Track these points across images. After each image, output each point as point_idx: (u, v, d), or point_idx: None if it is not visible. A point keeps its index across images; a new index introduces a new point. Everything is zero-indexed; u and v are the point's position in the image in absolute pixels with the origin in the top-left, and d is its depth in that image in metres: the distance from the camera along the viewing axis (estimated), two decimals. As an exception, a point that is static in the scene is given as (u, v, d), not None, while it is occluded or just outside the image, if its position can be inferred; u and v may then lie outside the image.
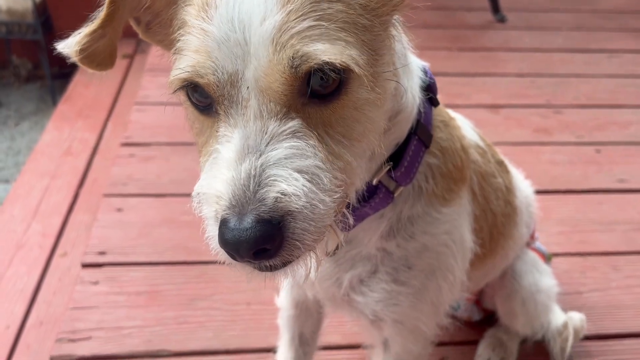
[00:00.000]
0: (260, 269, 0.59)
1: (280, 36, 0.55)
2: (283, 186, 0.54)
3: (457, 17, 3.19)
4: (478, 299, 1.38)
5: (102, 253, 1.56)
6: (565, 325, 1.28)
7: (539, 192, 1.85)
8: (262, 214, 0.53)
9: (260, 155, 0.55)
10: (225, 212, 0.55)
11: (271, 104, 0.57)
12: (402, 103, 0.73)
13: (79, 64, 0.69)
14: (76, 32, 0.69)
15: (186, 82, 0.59)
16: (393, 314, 0.86)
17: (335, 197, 0.58)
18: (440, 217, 0.82)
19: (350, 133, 0.60)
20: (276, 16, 0.55)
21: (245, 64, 0.56)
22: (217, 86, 0.57)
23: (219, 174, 0.57)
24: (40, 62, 3.64)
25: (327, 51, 0.54)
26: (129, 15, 0.69)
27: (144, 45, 3.41)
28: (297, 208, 0.55)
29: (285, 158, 0.55)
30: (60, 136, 2.71)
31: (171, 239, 1.61)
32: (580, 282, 1.60)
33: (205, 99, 0.60)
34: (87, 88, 3.07)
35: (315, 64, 0.55)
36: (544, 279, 1.25)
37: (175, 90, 0.61)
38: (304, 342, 1.14)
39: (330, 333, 1.28)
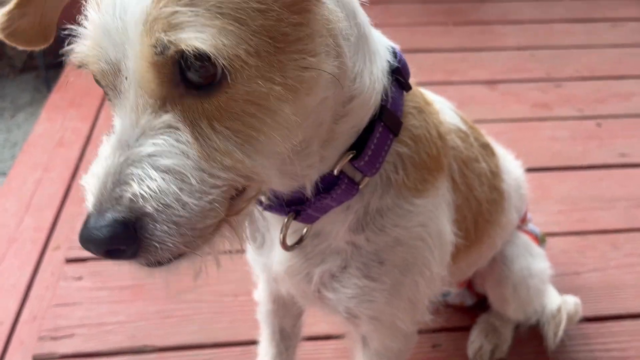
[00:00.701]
0: (147, 265, 0.57)
1: (148, 22, 0.52)
2: (135, 187, 0.52)
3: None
4: (470, 285, 1.34)
5: (86, 247, 1.53)
6: (559, 310, 1.24)
7: (537, 169, 1.80)
8: (116, 215, 0.52)
9: (128, 150, 0.54)
10: (91, 209, 0.54)
11: (146, 95, 0.54)
12: (355, 88, 0.68)
13: (5, 40, 0.68)
14: None
15: (84, 69, 0.58)
16: (368, 310, 0.82)
17: (208, 198, 0.54)
18: (413, 209, 0.77)
19: (245, 129, 0.55)
20: (147, 1, 0.51)
21: (124, 53, 0.54)
22: (102, 75, 0.56)
23: (92, 168, 0.55)
24: (35, 52, 3.60)
25: (191, 38, 0.50)
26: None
27: (136, 31, 3.37)
28: (150, 210, 0.52)
29: (148, 156, 0.53)
30: (53, 127, 2.69)
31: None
32: (579, 262, 1.55)
33: (106, 94, 0.58)
34: (79, 77, 3.02)
35: (176, 51, 0.51)
36: (536, 262, 1.20)
37: (96, 80, 0.59)
38: (285, 337, 1.11)
39: (316, 323, 1.25)
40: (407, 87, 0.76)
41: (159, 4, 0.51)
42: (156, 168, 0.53)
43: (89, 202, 0.55)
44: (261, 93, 0.54)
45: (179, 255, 0.57)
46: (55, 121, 2.73)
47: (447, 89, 2.29)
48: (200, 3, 0.51)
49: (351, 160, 0.70)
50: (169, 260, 0.57)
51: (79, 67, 0.59)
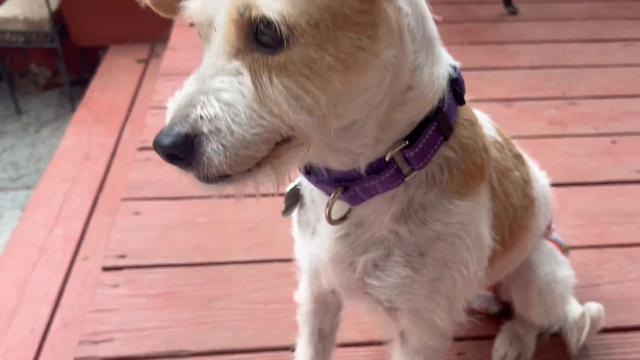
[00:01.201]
0: (200, 179, 0.67)
1: None
2: (198, 110, 0.64)
3: (467, 11, 3.18)
4: (496, 291, 1.38)
5: (121, 256, 1.59)
6: (582, 315, 1.28)
7: (555, 185, 1.84)
8: (181, 129, 0.63)
9: (202, 83, 0.65)
10: (168, 120, 0.65)
11: (226, 45, 0.65)
12: (414, 80, 0.74)
13: (152, 8, 0.80)
14: None
15: (192, 22, 0.70)
16: (408, 302, 0.87)
17: (252, 131, 0.64)
18: (453, 208, 0.82)
19: (295, 87, 0.64)
20: None
21: (218, 10, 0.65)
22: (201, 27, 0.68)
23: (182, 88, 0.67)
24: (59, 69, 3.71)
25: (263, 6, 0.61)
26: None
27: (158, 50, 3.46)
28: (205, 131, 0.63)
29: (215, 89, 0.64)
30: (79, 141, 2.77)
31: (188, 240, 1.64)
32: (597, 274, 1.59)
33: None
34: (104, 93, 3.13)
35: (250, 15, 0.62)
36: (561, 269, 1.24)
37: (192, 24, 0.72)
38: (323, 337, 1.16)
39: (347, 330, 1.29)
40: (462, 101, 0.82)
41: None
42: (218, 99, 0.64)
43: (167, 118, 0.66)
44: (314, 59, 0.63)
45: (224, 177, 0.66)
46: (81, 136, 2.81)
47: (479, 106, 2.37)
48: None
49: (403, 149, 0.76)
50: (215, 179, 0.66)
51: (190, 23, 0.71)
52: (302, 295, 1.14)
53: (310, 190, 0.90)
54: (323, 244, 0.89)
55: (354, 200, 0.81)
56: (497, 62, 2.66)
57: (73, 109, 3.57)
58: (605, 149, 2.09)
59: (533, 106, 2.34)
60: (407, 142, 0.76)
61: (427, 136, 0.77)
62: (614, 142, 2.12)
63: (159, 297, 1.47)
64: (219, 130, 0.63)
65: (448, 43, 2.88)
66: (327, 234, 0.88)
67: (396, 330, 0.98)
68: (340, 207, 0.82)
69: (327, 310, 1.14)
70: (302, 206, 0.94)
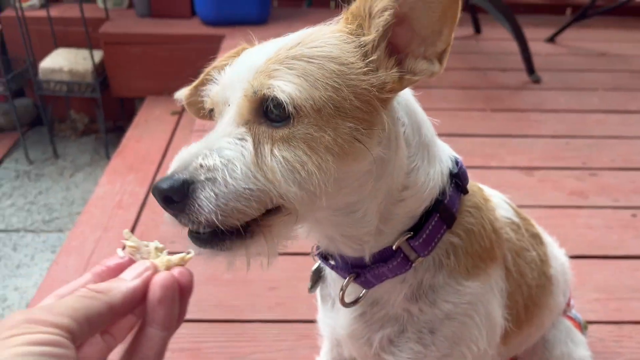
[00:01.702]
0: (192, 235, 0.73)
1: (256, 74, 0.73)
2: (201, 160, 0.70)
3: (491, 78, 3.28)
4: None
5: (149, 308, 1.65)
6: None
7: (574, 257, 1.87)
8: (180, 175, 0.70)
9: (210, 144, 0.73)
10: (171, 169, 0.72)
11: (237, 116, 0.74)
12: (409, 180, 0.82)
13: (185, 107, 0.94)
14: (184, 88, 0.95)
15: (210, 106, 0.81)
16: None
17: (245, 186, 0.70)
18: (462, 289, 0.88)
19: (292, 160, 0.71)
20: (260, 62, 0.74)
21: (234, 88, 0.75)
22: (217, 105, 0.79)
23: (183, 150, 0.74)
24: (96, 116, 3.89)
25: (278, 87, 0.70)
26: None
27: (191, 103, 3.62)
28: (202, 178, 0.69)
29: (218, 147, 0.72)
30: (112, 189, 2.88)
31: (213, 296, 1.70)
32: (615, 351, 1.59)
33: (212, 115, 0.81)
34: (139, 143, 3.27)
35: (263, 94, 0.71)
36: (578, 349, 1.26)
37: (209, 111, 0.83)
38: None
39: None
40: (464, 191, 0.89)
41: (268, 62, 0.73)
42: (219, 154, 0.71)
43: (170, 169, 0.72)
44: (314, 137, 0.71)
45: (216, 237, 0.72)
46: (114, 184, 2.93)
47: (486, 173, 2.44)
48: (294, 67, 0.71)
49: (408, 239, 0.83)
50: (208, 239, 0.72)
51: (209, 105, 0.82)
52: None
53: (330, 269, 0.96)
54: (340, 321, 0.95)
55: (367, 284, 0.88)
56: (519, 129, 2.73)
57: (107, 155, 3.72)
58: (626, 222, 2.12)
59: (554, 175, 2.39)
60: (412, 232, 0.83)
61: (430, 227, 0.84)
62: (634, 215, 2.15)
63: (184, 352, 1.51)
64: (214, 179, 0.69)
65: (471, 109, 3.00)
66: (344, 311, 0.94)
67: None
68: (354, 290, 0.89)
69: None
70: (323, 280, 1.01)
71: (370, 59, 0.74)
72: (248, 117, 0.73)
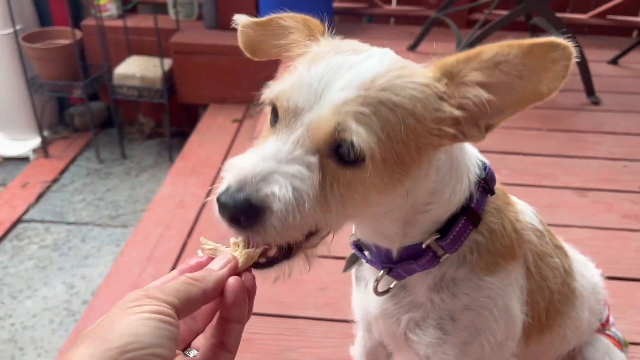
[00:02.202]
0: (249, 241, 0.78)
1: (342, 106, 0.73)
2: (275, 189, 0.71)
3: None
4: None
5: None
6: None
7: (623, 279, 1.87)
8: (252, 197, 0.71)
9: (278, 164, 0.73)
10: (233, 182, 0.72)
11: (310, 142, 0.74)
12: (434, 198, 0.88)
13: (238, 33, 0.95)
14: (246, 16, 0.95)
15: (271, 102, 0.80)
16: None
17: (307, 220, 0.75)
18: (482, 283, 0.94)
19: (347, 197, 0.77)
20: (349, 93, 0.74)
21: (309, 107, 0.75)
22: (285, 111, 0.77)
23: (248, 159, 0.75)
24: (162, 121, 4.11)
25: (360, 135, 0.72)
26: (271, 40, 0.95)
27: (251, 111, 3.78)
28: (275, 208, 0.72)
29: (291, 174, 0.73)
30: (175, 190, 3.06)
31: (266, 292, 1.80)
32: (661, 374, 1.59)
33: (275, 120, 0.80)
34: (201, 148, 3.45)
35: (346, 137, 0.72)
36: (616, 367, 1.28)
37: (265, 104, 0.82)
38: None
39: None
40: (491, 192, 0.95)
41: (356, 99, 0.73)
42: (293, 185, 0.72)
43: (234, 177, 0.72)
44: (371, 182, 0.76)
45: (270, 246, 0.78)
46: (177, 185, 3.10)
47: (537, 192, 2.45)
48: (379, 114, 0.73)
49: (437, 239, 0.90)
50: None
51: (269, 102, 0.80)
52: (356, 349, 1.28)
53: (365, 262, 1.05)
54: (373, 301, 1.03)
55: (397, 277, 0.96)
56: (575, 150, 2.71)
57: (170, 158, 3.93)
58: (681, 249, 2.08)
59: (608, 197, 2.37)
60: (439, 234, 0.90)
61: (457, 229, 0.90)
62: (690, 242, 2.11)
63: (237, 341, 1.62)
64: (287, 212, 0.72)
65: (526, 128, 3.03)
66: None
67: None
68: (386, 280, 0.97)
69: None
70: (360, 263, 1.09)
71: (442, 126, 0.77)
72: (320, 147, 0.74)
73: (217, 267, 0.74)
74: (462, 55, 0.76)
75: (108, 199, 3.61)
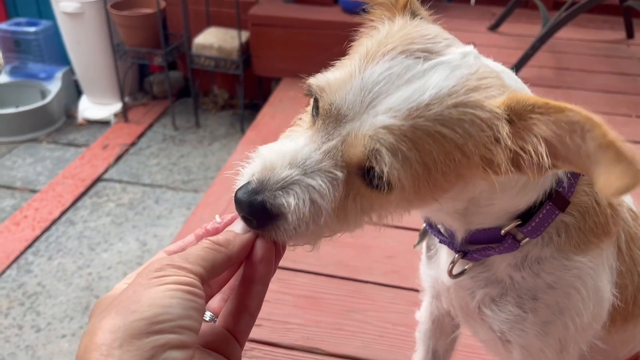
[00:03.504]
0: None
1: (383, 133, 0.66)
2: (292, 201, 0.69)
3: (639, 84, 3.08)
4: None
5: (275, 258, 1.80)
6: None
7: None
8: (268, 202, 0.68)
9: (302, 173, 0.69)
10: (254, 180, 0.71)
11: (339, 154, 0.70)
12: (496, 197, 0.80)
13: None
14: None
15: (312, 90, 0.75)
16: (519, 338, 0.92)
17: (320, 232, 0.72)
18: (570, 263, 0.86)
19: (367, 212, 0.74)
20: (395, 120, 0.67)
21: (352, 117, 0.69)
22: (325, 110, 0.72)
23: (277, 156, 0.72)
24: (236, 93, 4.19)
25: (392, 168, 0.66)
26: None
27: (324, 86, 3.78)
28: (289, 219, 0.69)
29: (312, 187, 0.69)
30: (246, 158, 3.11)
31: (335, 255, 1.81)
32: None
33: (316, 111, 0.75)
34: (273, 119, 3.49)
35: (373, 165, 0.67)
36: None
37: (309, 92, 0.77)
38: (437, 358, 1.23)
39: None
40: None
41: (400, 126, 0.66)
42: (311, 199, 0.69)
43: (256, 175, 0.71)
44: (397, 204, 0.72)
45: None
46: (249, 153, 3.16)
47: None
48: (418, 149, 0.66)
49: (517, 226, 0.83)
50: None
51: (311, 93, 0.75)
52: (422, 314, 1.24)
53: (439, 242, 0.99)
54: (446, 272, 0.97)
55: (473, 260, 0.91)
56: (667, 138, 2.54)
57: (242, 129, 4.00)
58: None
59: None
60: (520, 220, 0.82)
61: (541, 215, 0.82)
62: None
63: (304, 298, 1.64)
64: (300, 223, 0.69)
65: (614, 114, 2.90)
66: (448, 262, 0.95)
67: None
68: (460, 262, 0.92)
69: (442, 332, 1.22)
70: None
71: (491, 166, 0.69)
72: (350, 165, 0.70)
73: (239, 230, 0.71)
74: (542, 102, 0.66)
75: (181, 165, 3.72)
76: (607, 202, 0.89)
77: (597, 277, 0.89)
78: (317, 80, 0.74)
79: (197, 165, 3.73)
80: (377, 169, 0.67)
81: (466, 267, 0.92)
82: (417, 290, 1.47)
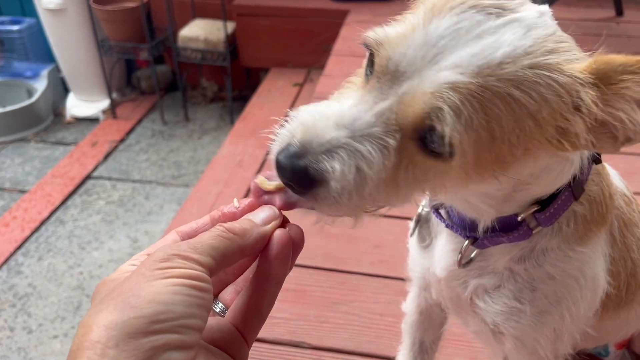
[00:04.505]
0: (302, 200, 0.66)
1: (448, 90, 0.59)
2: (338, 167, 0.62)
3: (631, 62, 3.04)
4: (629, 345, 1.34)
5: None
6: None
7: None
8: (312, 168, 0.62)
9: (349, 136, 0.62)
10: (296, 142, 0.63)
11: (395, 116, 0.62)
12: (535, 180, 0.76)
13: None
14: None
15: (369, 45, 0.66)
16: (513, 329, 0.90)
17: (364, 203, 0.66)
18: (573, 255, 0.84)
19: (419, 183, 0.67)
20: (463, 76, 0.59)
21: (411, 74, 0.61)
22: (380, 67, 0.64)
23: (322, 116, 0.64)
24: (225, 85, 4.15)
25: (455, 131, 0.59)
26: None
27: (312, 75, 3.74)
28: (332, 185, 0.62)
29: (360, 153, 0.62)
30: (234, 150, 3.09)
31: (321, 247, 1.79)
32: None
33: (370, 70, 0.67)
34: (261, 110, 3.46)
35: (437, 128, 0.60)
36: None
37: (364, 44, 0.68)
38: (423, 350, 1.20)
39: (457, 355, 1.34)
40: (598, 161, 0.83)
41: (467, 86, 0.58)
42: (358, 166, 0.62)
43: (298, 136, 0.63)
44: (454, 175, 0.65)
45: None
46: (237, 146, 3.13)
47: (613, 158, 2.28)
48: (485, 112, 0.59)
49: (535, 211, 0.79)
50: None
51: (368, 45, 0.67)
52: (409, 306, 1.20)
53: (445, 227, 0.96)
54: (441, 262, 0.94)
55: (481, 247, 0.86)
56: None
57: (232, 121, 3.97)
58: None
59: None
60: (539, 206, 0.79)
61: (559, 201, 0.79)
62: None
63: (289, 292, 1.62)
64: (342, 191, 0.63)
65: None
66: (445, 251, 0.93)
67: (500, 355, 1.01)
68: (467, 251, 0.88)
69: (430, 324, 1.19)
70: (425, 221, 1.00)
71: (566, 137, 0.63)
72: (406, 128, 0.63)
73: (259, 220, 0.65)
74: (635, 60, 0.60)
75: (171, 160, 3.70)
76: (608, 192, 0.86)
77: (595, 265, 0.87)
78: (376, 34, 0.65)
79: (187, 160, 3.70)
80: (438, 128, 0.59)
81: (472, 255, 0.87)
82: (404, 280, 1.45)
